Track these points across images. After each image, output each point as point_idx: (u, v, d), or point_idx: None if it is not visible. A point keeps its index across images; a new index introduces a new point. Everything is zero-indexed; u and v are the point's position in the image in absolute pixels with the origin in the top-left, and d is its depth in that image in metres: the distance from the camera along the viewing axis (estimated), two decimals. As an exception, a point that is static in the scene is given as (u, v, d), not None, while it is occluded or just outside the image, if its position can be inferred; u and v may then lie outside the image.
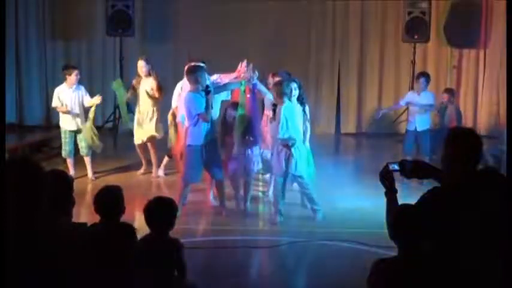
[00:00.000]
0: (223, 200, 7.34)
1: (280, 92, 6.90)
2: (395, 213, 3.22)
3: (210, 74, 7.75)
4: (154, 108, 8.74)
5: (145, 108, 8.69)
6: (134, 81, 8.80)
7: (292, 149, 6.89)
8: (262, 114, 7.74)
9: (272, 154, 7.14)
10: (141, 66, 8.63)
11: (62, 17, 12.30)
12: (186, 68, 7.31)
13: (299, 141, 6.99)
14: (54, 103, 8.59)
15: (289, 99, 6.98)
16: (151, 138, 8.80)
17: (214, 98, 7.23)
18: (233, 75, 7.54)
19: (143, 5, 12.06)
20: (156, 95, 8.67)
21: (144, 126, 8.71)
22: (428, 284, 3.07)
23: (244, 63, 7.28)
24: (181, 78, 7.69)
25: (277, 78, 7.53)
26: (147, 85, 8.66)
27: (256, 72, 7.39)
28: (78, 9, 12.19)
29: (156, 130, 8.77)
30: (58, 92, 8.56)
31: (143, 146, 8.85)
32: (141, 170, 8.98)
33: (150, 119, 8.72)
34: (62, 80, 8.66)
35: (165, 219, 4.06)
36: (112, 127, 11.13)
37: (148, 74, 8.65)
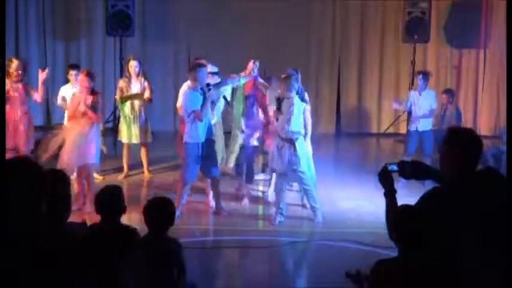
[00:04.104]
0: (219, 200, 7.33)
1: (289, 86, 6.89)
2: (396, 214, 3.21)
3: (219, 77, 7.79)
4: (144, 110, 8.70)
5: (135, 110, 8.65)
6: (122, 83, 8.69)
7: (296, 144, 6.88)
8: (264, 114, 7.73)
9: (273, 152, 7.10)
10: (134, 66, 8.56)
11: (62, 17, 12.30)
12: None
13: (301, 137, 6.99)
14: (58, 101, 8.66)
15: (296, 94, 7.00)
16: (144, 143, 8.79)
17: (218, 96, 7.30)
18: (241, 74, 7.56)
19: (143, 5, 12.07)
20: (148, 95, 8.63)
21: (134, 128, 8.67)
22: (428, 284, 3.06)
23: (251, 62, 7.31)
24: (181, 78, 7.72)
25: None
26: (138, 86, 8.62)
27: (257, 63, 7.37)
28: (78, 10, 12.21)
29: (149, 136, 8.77)
30: (61, 91, 8.66)
31: (130, 147, 8.84)
32: (123, 175, 8.83)
33: (143, 122, 8.69)
34: (62, 80, 8.68)
35: (164, 219, 4.06)
36: (112, 127, 11.13)
37: (139, 75, 8.62)
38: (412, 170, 3.43)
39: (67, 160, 7.10)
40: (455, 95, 10.63)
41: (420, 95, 8.91)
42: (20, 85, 7.82)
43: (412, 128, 8.98)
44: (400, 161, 3.50)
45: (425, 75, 9.05)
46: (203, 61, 7.56)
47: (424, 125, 8.89)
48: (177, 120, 11.89)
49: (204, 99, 6.85)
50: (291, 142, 6.86)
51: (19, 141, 7.81)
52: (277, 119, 7.00)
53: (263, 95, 7.77)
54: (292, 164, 6.87)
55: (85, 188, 7.32)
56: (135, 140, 8.69)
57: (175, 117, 12.09)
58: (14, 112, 7.77)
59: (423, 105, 8.87)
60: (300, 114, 6.93)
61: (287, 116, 6.83)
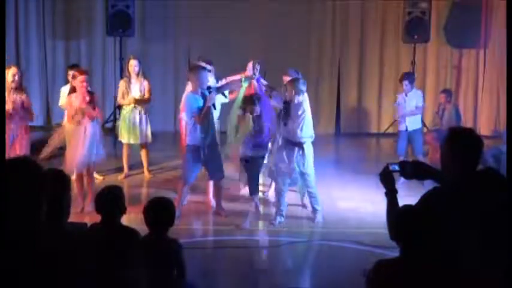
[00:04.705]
0: (220, 201, 7.32)
1: (298, 89, 6.86)
2: (398, 214, 3.21)
3: (218, 78, 7.75)
4: (144, 111, 8.69)
5: (136, 109, 8.63)
6: (123, 83, 8.66)
7: (305, 147, 6.87)
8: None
9: (279, 154, 7.05)
10: (134, 65, 8.54)
11: (62, 17, 12.30)
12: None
13: (309, 140, 6.98)
14: (60, 101, 8.65)
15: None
16: (144, 143, 8.79)
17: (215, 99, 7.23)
18: (241, 75, 7.53)
19: (143, 5, 12.06)
20: (147, 95, 8.63)
21: (133, 129, 8.64)
22: (429, 284, 3.07)
23: (251, 63, 7.27)
24: (181, 78, 7.67)
25: (287, 77, 7.47)
26: (138, 85, 8.61)
27: (258, 66, 7.31)
28: (78, 9, 12.21)
29: (148, 136, 8.76)
30: (62, 91, 8.66)
31: (129, 147, 8.82)
32: (123, 175, 8.82)
33: (143, 123, 8.69)
34: (61, 80, 8.67)
35: (164, 219, 4.06)
36: (112, 127, 11.14)
37: (139, 74, 8.61)
38: (413, 170, 3.43)
39: (73, 163, 7.10)
40: (454, 95, 10.64)
41: (406, 95, 8.92)
42: (18, 97, 7.43)
43: (402, 128, 8.98)
44: (401, 161, 3.51)
45: (410, 78, 9.06)
46: (202, 64, 7.55)
47: (413, 124, 8.89)
48: (177, 120, 11.88)
49: (205, 102, 6.84)
50: (300, 145, 6.85)
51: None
52: (285, 124, 6.93)
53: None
54: (299, 166, 6.87)
55: (85, 188, 7.31)
56: (134, 140, 8.69)
57: (176, 118, 12.09)
58: (10, 129, 7.36)
59: (409, 104, 8.88)
60: (310, 118, 6.91)
61: (298, 121, 6.78)
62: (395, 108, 9.41)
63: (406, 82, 8.91)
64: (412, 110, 8.85)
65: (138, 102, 8.58)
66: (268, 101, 7.38)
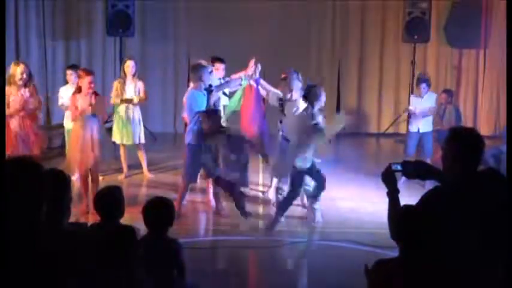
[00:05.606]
0: (219, 200, 7.30)
1: (290, 86, 6.83)
2: (400, 213, 3.21)
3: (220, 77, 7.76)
4: (139, 112, 8.69)
5: (130, 110, 8.63)
6: (117, 84, 8.64)
7: None
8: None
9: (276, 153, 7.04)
10: (131, 66, 8.55)
11: (62, 17, 12.30)
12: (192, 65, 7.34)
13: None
14: (59, 102, 8.65)
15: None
16: (138, 144, 8.78)
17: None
18: (242, 73, 7.52)
19: (143, 5, 12.07)
20: (143, 97, 8.63)
21: (126, 129, 8.64)
22: (428, 284, 3.06)
23: (252, 61, 7.27)
24: (181, 78, 7.64)
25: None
26: (133, 86, 8.61)
27: (259, 66, 7.34)
28: (78, 9, 12.22)
29: (142, 137, 8.75)
30: (61, 91, 8.67)
31: (125, 147, 8.82)
32: (123, 175, 8.80)
33: (136, 124, 8.68)
34: (61, 81, 8.67)
35: (163, 219, 4.05)
36: (111, 127, 11.12)
37: (135, 75, 8.60)
38: (415, 170, 3.43)
39: (82, 164, 7.09)
40: (454, 95, 10.64)
41: (422, 97, 8.92)
42: (26, 90, 7.38)
43: (413, 128, 8.95)
44: (403, 160, 3.50)
45: (428, 82, 9.07)
46: (203, 62, 7.55)
47: (425, 126, 8.87)
48: (177, 121, 11.88)
49: (207, 100, 6.83)
50: None
51: (29, 150, 7.27)
52: (280, 121, 6.92)
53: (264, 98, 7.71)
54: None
55: (89, 188, 7.27)
56: (127, 141, 8.69)
57: (176, 118, 12.10)
58: (20, 121, 7.33)
59: (423, 106, 8.87)
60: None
61: (293, 121, 6.76)
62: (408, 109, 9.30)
63: (423, 85, 8.94)
64: (424, 112, 8.83)
65: (128, 101, 8.56)
66: (258, 106, 7.31)
